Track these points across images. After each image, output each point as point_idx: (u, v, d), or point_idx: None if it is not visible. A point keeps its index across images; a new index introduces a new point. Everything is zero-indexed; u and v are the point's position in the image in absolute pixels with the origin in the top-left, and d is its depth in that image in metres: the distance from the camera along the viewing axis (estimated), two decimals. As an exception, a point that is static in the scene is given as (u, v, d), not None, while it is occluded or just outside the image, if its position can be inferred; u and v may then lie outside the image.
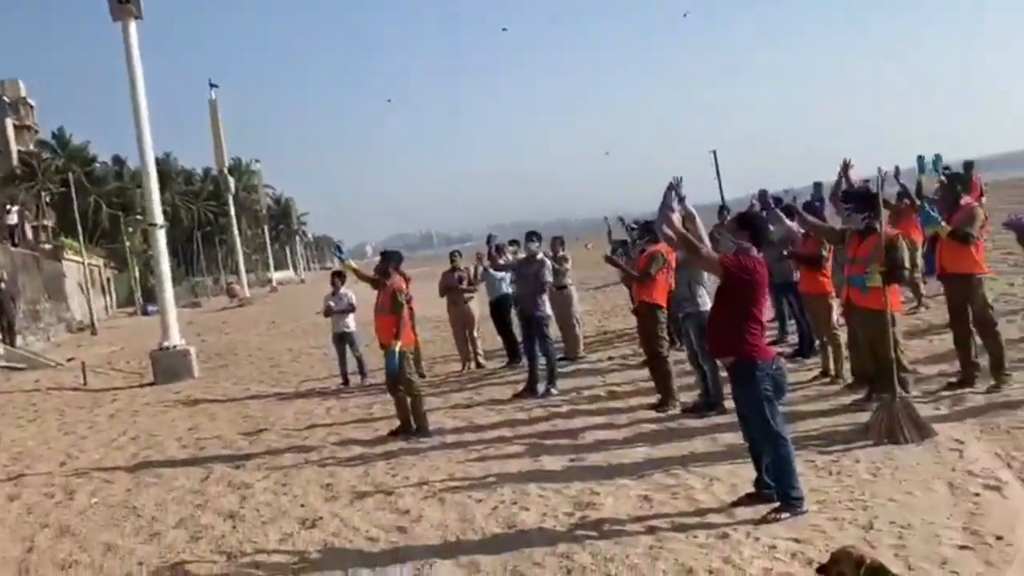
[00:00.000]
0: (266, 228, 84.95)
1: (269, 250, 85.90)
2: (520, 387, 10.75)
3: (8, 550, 6.78)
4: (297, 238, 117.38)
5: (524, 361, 12.62)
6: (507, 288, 13.00)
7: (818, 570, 3.87)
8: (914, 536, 4.82)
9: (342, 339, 13.39)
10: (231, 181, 53.85)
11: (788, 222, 9.21)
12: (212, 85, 49.73)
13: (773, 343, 11.18)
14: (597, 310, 19.32)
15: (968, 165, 14.36)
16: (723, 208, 13.69)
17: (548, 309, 10.75)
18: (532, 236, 11.02)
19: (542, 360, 10.63)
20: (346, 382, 13.29)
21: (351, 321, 13.39)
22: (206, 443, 10.19)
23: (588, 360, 12.66)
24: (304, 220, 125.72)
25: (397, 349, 8.96)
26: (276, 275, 79.12)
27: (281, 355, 19.30)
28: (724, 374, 7.00)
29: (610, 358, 12.57)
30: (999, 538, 4.68)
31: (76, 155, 72.03)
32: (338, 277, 13.62)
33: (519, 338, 13.22)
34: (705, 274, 8.14)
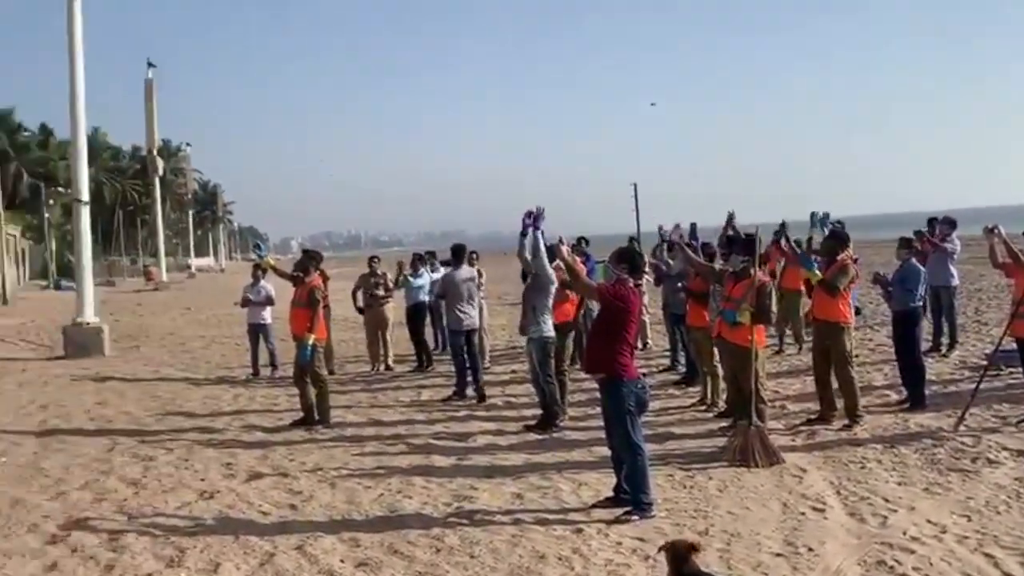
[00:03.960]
0: (190, 213, 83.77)
1: (191, 236, 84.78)
2: (447, 392, 11.23)
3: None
4: (221, 226, 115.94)
5: (433, 367, 13.25)
6: (424, 296, 13.61)
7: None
8: (740, 543, 5.56)
9: (257, 330, 13.79)
10: (159, 163, 53.05)
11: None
12: (150, 64, 49.25)
13: (666, 369, 12.08)
14: (511, 324, 19.90)
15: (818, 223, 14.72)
16: (632, 239, 14.49)
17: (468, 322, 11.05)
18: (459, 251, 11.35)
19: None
20: (256, 373, 13.66)
21: (267, 314, 13.80)
22: (113, 417, 10.54)
23: (492, 371, 13.22)
24: (231, 209, 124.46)
25: (310, 342, 9.48)
26: (196, 261, 78.21)
27: (193, 341, 19.51)
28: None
29: (513, 371, 13.16)
30: (810, 550, 5.43)
31: (1, 120, 69.98)
32: (259, 269, 13.96)
33: (432, 346, 13.85)
34: (550, 302, 8.78)
